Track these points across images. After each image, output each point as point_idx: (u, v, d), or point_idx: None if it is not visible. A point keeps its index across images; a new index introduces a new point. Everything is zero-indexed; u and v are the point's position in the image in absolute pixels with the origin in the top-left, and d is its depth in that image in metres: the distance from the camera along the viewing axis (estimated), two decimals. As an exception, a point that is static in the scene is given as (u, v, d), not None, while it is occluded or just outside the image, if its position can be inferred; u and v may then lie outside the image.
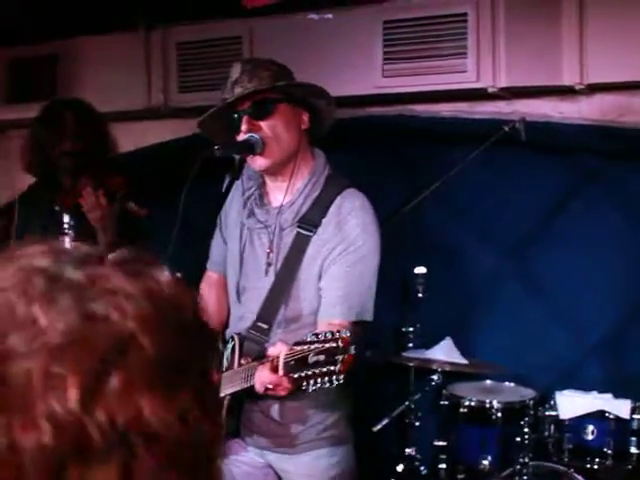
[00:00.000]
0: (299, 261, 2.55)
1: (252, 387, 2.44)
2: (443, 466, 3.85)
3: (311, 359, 2.08)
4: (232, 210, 2.80)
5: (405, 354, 3.98)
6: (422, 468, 3.92)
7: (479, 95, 3.80)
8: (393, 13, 3.81)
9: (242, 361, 2.54)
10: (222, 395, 2.54)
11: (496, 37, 3.61)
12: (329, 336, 2.10)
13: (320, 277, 2.55)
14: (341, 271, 2.52)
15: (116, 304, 0.73)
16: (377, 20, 3.85)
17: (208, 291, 2.94)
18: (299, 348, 2.13)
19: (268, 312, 2.60)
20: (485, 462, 3.70)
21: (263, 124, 2.52)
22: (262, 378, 2.34)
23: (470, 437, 3.77)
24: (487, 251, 4.24)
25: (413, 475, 3.92)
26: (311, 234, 2.55)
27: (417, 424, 3.90)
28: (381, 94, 3.93)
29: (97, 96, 4.03)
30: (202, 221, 3.07)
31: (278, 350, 2.25)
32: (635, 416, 3.50)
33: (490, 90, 3.69)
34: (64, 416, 0.69)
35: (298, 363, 2.12)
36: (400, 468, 3.93)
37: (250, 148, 2.51)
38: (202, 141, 2.78)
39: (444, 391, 3.87)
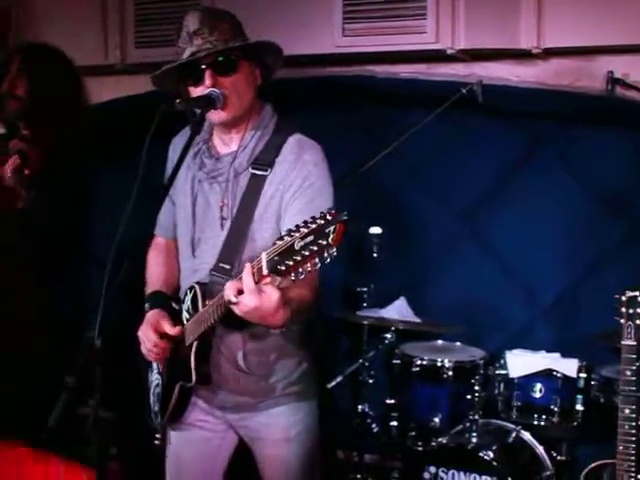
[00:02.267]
0: (255, 201, 2.57)
1: (222, 322, 2.42)
2: (395, 423, 3.92)
3: (298, 245, 2.00)
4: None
5: (359, 313, 4.04)
6: (374, 425, 3.99)
7: (438, 57, 3.83)
8: (354, -28, 3.81)
9: (207, 302, 2.49)
10: (190, 340, 2.54)
11: (456, -1, 3.65)
12: (313, 219, 2.03)
13: (279, 215, 2.57)
14: (300, 207, 2.51)
15: None
16: (337, -21, 3.85)
17: (155, 256, 2.92)
18: (280, 242, 2.04)
19: (229, 253, 2.58)
20: (436, 419, 3.77)
21: (226, 80, 2.52)
22: (247, 283, 2.14)
23: (421, 395, 3.84)
24: (442, 212, 4.29)
25: (365, 432, 3.99)
26: (266, 173, 2.58)
27: (370, 382, 3.97)
28: (341, 54, 3.94)
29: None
30: (158, 177, 3.06)
31: (257, 260, 2.13)
32: (581, 375, 3.59)
33: (449, 52, 3.72)
34: None
35: (283, 254, 2.03)
36: (353, 425, 4.01)
37: (212, 102, 2.50)
38: (158, 98, 2.77)
39: (396, 350, 3.93)
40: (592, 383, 3.56)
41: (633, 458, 2.95)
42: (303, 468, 2.78)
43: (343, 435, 4.07)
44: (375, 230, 4.02)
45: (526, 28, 3.62)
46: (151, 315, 2.68)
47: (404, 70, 3.99)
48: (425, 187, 4.29)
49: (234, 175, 2.62)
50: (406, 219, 4.26)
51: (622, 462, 2.95)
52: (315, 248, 2.00)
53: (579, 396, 3.59)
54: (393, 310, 4.03)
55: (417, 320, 3.99)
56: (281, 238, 2.06)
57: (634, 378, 2.99)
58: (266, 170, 2.57)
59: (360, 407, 3.98)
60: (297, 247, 2.01)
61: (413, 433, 3.86)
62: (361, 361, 3.96)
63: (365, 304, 4.12)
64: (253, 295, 2.14)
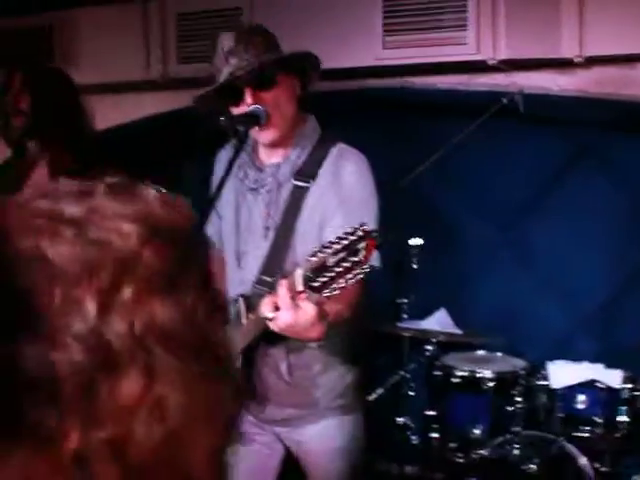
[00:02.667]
0: (297, 213, 2.58)
1: (266, 335, 2.39)
2: (435, 435, 3.89)
3: (330, 261, 2.03)
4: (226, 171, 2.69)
5: (400, 324, 4.03)
6: (414, 437, 3.97)
7: (478, 67, 3.83)
8: (394, -16, 3.84)
9: (250, 316, 2.51)
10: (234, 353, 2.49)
11: (496, 9, 3.65)
12: (344, 234, 2.05)
13: (321, 227, 2.56)
14: (341, 220, 2.49)
15: (115, 228, 0.79)
16: (377, -8, 3.88)
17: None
18: (314, 259, 2.08)
19: (271, 265, 2.59)
20: (477, 431, 3.75)
21: (267, 95, 2.52)
22: (284, 301, 2.16)
23: (462, 407, 3.81)
24: (482, 223, 4.29)
25: (405, 444, 3.97)
26: (308, 185, 2.58)
27: (411, 394, 3.96)
28: (381, 66, 3.95)
29: (95, 67, 4.05)
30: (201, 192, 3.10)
31: (291, 275, 2.18)
32: (625, 386, 3.55)
33: (490, 62, 3.72)
34: (87, 332, 0.75)
35: (317, 271, 2.06)
36: (392, 437, 4.00)
37: (256, 119, 2.50)
38: (199, 113, 2.80)
39: (437, 362, 3.91)
40: (636, 394, 3.53)
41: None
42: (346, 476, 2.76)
43: (383, 447, 4.05)
44: (415, 241, 4.02)
45: (568, 37, 3.61)
46: None
47: (444, 81, 4.00)
48: (465, 198, 4.30)
49: (277, 186, 2.63)
50: (446, 230, 4.27)
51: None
52: (347, 265, 2.02)
53: (623, 407, 3.55)
54: (434, 321, 4.02)
55: (458, 331, 3.98)
56: (314, 254, 2.08)
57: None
58: (308, 182, 2.58)
59: (400, 419, 3.97)
60: (330, 263, 2.04)
61: (454, 445, 3.83)
62: (402, 373, 3.95)
63: (405, 316, 4.11)
64: (289, 311, 2.14)
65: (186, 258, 0.83)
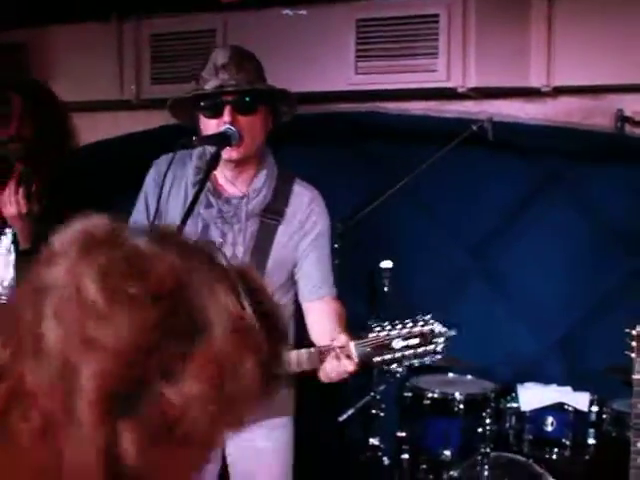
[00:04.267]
0: (268, 248, 2.70)
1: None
2: (406, 456, 3.93)
3: (397, 344, 2.27)
4: (172, 196, 2.78)
5: (371, 347, 4.05)
6: (385, 458, 4.00)
7: (449, 94, 3.89)
8: (366, 12, 3.89)
9: None
10: None
11: (467, 38, 3.71)
12: (414, 322, 2.35)
13: (292, 261, 2.75)
14: (318, 256, 2.75)
15: None
16: (350, 18, 3.93)
17: None
18: (373, 335, 2.29)
19: None
20: (447, 452, 3.79)
21: (244, 119, 2.58)
22: (339, 365, 2.40)
23: (433, 428, 3.86)
24: (452, 247, 4.33)
25: (376, 465, 4.00)
26: (277, 223, 2.71)
27: (381, 415, 3.97)
28: (353, 91, 4.00)
29: (68, 86, 4.02)
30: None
31: (344, 342, 2.38)
32: (593, 408, 3.62)
33: (459, 90, 3.78)
34: None
35: (378, 349, 2.29)
36: (363, 458, 4.02)
37: (226, 140, 2.56)
38: (171, 133, 2.80)
39: (407, 383, 3.95)
40: (604, 417, 3.59)
41: (646, 492, 2.96)
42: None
43: (354, 469, 4.07)
44: (386, 264, 4.05)
45: (536, 67, 3.68)
46: None
47: (415, 107, 4.05)
48: (435, 223, 4.33)
49: (245, 219, 2.70)
50: (416, 254, 4.29)
51: (635, 496, 2.97)
52: (420, 350, 2.31)
53: (591, 430, 3.62)
54: (404, 343, 4.05)
55: (428, 354, 4.01)
56: (371, 331, 2.34)
57: (646, 412, 3.01)
58: (277, 220, 2.72)
59: (371, 440, 3.99)
60: (396, 346, 2.30)
61: (424, 466, 3.88)
62: (372, 394, 3.98)
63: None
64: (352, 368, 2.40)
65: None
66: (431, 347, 2.29)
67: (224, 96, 2.58)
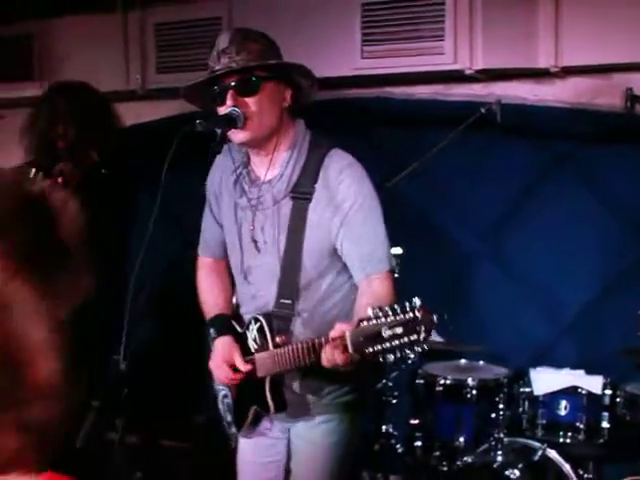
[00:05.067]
0: (302, 231, 2.62)
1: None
2: (419, 444, 3.91)
3: (386, 333, 2.16)
4: (224, 191, 2.83)
5: (382, 333, 4.04)
6: (398, 446, 3.98)
7: (456, 77, 3.86)
8: (372, -5, 3.86)
9: (277, 340, 2.63)
10: (263, 374, 2.67)
11: (473, 20, 3.68)
12: (399, 309, 2.19)
13: (329, 242, 2.62)
14: (355, 230, 2.58)
15: None
16: (356, 1, 3.90)
17: (206, 278, 2.98)
18: (366, 324, 2.21)
19: (288, 286, 2.66)
20: (461, 439, 3.77)
21: (248, 100, 2.53)
22: (332, 358, 2.35)
23: (445, 415, 3.83)
24: (462, 232, 4.31)
25: (390, 452, 3.98)
26: (307, 201, 2.61)
27: (394, 402, 3.96)
28: (360, 76, 3.97)
29: (73, 77, 4.03)
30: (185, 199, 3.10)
31: (340, 332, 2.32)
32: (607, 392, 3.59)
33: (467, 72, 3.75)
34: None
35: (369, 338, 2.19)
36: (377, 446, 4.01)
37: (232, 122, 2.51)
38: (181, 122, 2.80)
39: (420, 370, 3.92)
40: (617, 400, 3.56)
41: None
42: (332, 473, 2.80)
43: (368, 456, 4.06)
44: (396, 250, 4.03)
45: (544, 47, 3.65)
46: (221, 345, 2.78)
47: (422, 91, 4.02)
48: (445, 207, 4.31)
49: (274, 203, 2.65)
50: (427, 239, 4.27)
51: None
52: (405, 341, 2.16)
53: (605, 413, 3.59)
54: (416, 330, 4.03)
55: (440, 339, 3.99)
56: (363, 320, 2.22)
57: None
58: (307, 198, 2.60)
59: (384, 427, 3.98)
60: (385, 335, 2.17)
61: (438, 453, 3.85)
62: (385, 381, 3.96)
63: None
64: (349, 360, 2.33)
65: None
66: (414, 337, 2.16)
67: (226, 80, 2.53)
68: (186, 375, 3.64)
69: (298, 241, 2.61)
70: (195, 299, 2.97)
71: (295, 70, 2.64)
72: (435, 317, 2.20)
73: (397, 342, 2.16)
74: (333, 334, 2.35)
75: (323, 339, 2.42)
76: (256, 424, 2.85)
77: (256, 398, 2.73)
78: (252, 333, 2.72)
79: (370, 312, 2.23)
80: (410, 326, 2.15)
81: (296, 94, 2.67)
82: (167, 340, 4.66)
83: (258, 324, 2.68)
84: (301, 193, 2.61)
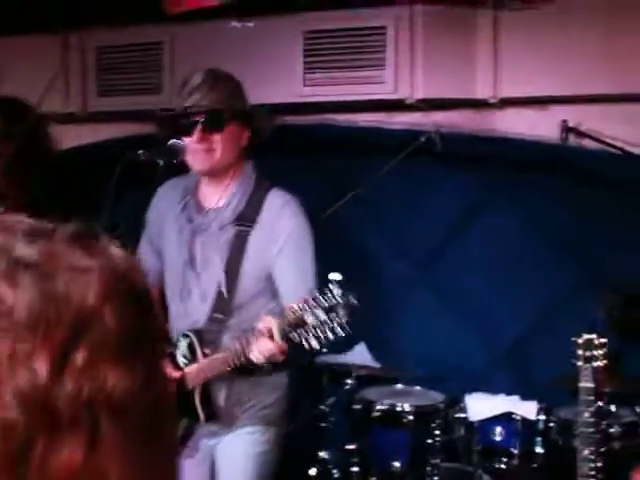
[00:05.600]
0: (241, 255, 2.86)
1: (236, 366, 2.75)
2: (355, 469, 3.90)
3: (308, 319, 2.39)
4: (168, 219, 3.03)
5: (319, 358, 4.05)
6: (335, 471, 3.97)
7: (397, 106, 3.92)
8: (314, 24, 3.91)
9: (206, 351, 2.84)
10: (192, 385, 2.86)
11: (414, 50, 3.75)
12: (321, 296, 2.43)
13: (264, 268, 2.88)
14: (291, 258, 2.86)
15: (75, 281, 0.74)
16: (298, 30, 3.95)
17: None
18: (291, 314, 2.45)
19: (222, 305, 2.88)
20: (397, 464, 3.77)
21: (213, 136, 2.80)
22: (262, 349, 2.58)
23: (382, 440, 3.84)
24: (401, 258, 4.34)
25: (326, 478, 3.97)
26: (249, 229, 2.87)
27: (331, 428, 3.96)
28: (301, 103, 4.01)
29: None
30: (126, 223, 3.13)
31: (268, 322, 2.56)
32: (541, 417, 3.63)
33: (407, 101, 3.81)
34: (31, 390, 0.70)
35: (294, 325, 2.43)
36: (313, 471, 3.99)
37: (174, 154, 2.75)
38: (120, 146, 2.86)
39: (356, 395, 3.93)
40: (551, 425, 3.61)
41: (593, 500, 2.98)
42: None
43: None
44: (334, 276, 4.04)
45: (482, 78, 3.74)
46: None
47: (364, 119, 4.07)
48: (384, 234, 4.34)
49: (219, 229, 2.90)
50: (365, 266, 4.29)
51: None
52: (327, 323, 2.40)
53: (538, 438, 3.63)
54: (353, 356, 4.04)
55: (377, 365, 4.01)
56: (294, 310, 2.47)
57: (592, 420, 3.04)
58: (249, 226, 2.87)
59: (320, 453, 3.97)
60: (308, 321, 2.41)
61: (374, 478, 3.85)
62: (321, 407, 3.96)
63: (325, 350, 4.12)
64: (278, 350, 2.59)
65: (142, 321, 0.79)
66: (336, 319, 2.38)
67: (196, 116, 2.79)
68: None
69: (237, 265, 2.85)
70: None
71: (257, 114, 2.94)
72: (354, 301, 2.43)
73: (320, 325, 2.37)
74: (261, 326, 2.57)
75: (251, 334, 2.64)
76: (183, 444, 2.94)
77: (186, 410, 2.88)
78: (181, 350, 2.90)
79: (295, 305, 2.48)
80: (331, 310, 2.37)
81: (253, 135, 2.93)
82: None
83: (188, 339, 2.88)
84: (244, 222, 2.87)
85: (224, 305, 2.88)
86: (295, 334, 2.44)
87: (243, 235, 2.86)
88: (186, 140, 2.78)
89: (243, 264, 2.85)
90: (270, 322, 2.54)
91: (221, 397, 2.95)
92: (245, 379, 2.93)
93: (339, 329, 2.41)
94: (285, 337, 2.49)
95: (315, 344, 2.43)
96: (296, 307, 2.45)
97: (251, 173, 2.96)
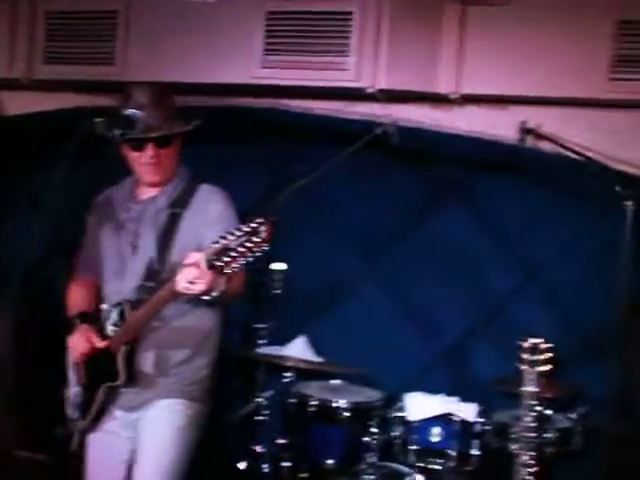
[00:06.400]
0: (173, 234, 3.08)
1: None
2: (287, 464, 3.82)
3: (232, 244, 2.52)
4: (109, 210, 3.25)
5: (258, 350, 3.97)
6: (265, 466, 3.89)
7: (356, 95, 3.86)
8: (277, 4, 3.83)
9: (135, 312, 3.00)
10: (119, 345, 3.01)
11: (379, 39, 3.70)
12: (242, 225, 2.53)
13: (195, 245, 2.97)
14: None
15: None
16: (261, 9, 3.87)
17: (77, 289, 3.29)
18: (217, 244, 2.56)
19: (153, 274, 3.05)
20: (330, 461, 3.72)
21: (164, 151, 3.06)
22: (186, 275, 2.70)
23: (316, 436, 3.78)
24: (348, 251, 4.30)
25: (255, 472, 3.88)
26: (182, 211, 3.10)
27: (266, 421, 3.89)
28: (258, 85, 3.93)
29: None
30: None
31: (192, 256, 2.68)
32: (479, 419, 3.62)
33: (369, 90, 3.75)
34: None
35: (220, 253, 2.55)
36: (243, 465, 3.91)
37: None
38: (68, 116, 2.82)
39: (293, 389, 3.86)
40: (487, 428, 3.60)
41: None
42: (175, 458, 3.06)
43: (232, 474, 3.94)
44: (276, 266, 3.98)
45: (445, 73, 3.72)
46: (79, 330, 3.10)
47: (320, 106, 4.00)
48: (332, 226, 4.29)
49: (154, 213, 3.12)
50: (311, 257, 4.22)
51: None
52: (249, 245, 2.50)
53: (475, 441, 3.61)
54: (293, 349, 3.97)
55: (316, 359, 3.94)
56: (216, 242, 2.57)
57: (533, 424, 3.02)
58: (182, 210, 3.10)
59: (253, 446, 3.89)
60: (232, 246, 2.52)
61: (306, 474, 3.78)
62: (257, 400, 3.89)
63: (265, 341, 4.05)
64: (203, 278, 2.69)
65: None
66: (257, 238, 2.49)
67: (145, 133, 2.99)
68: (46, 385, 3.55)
69: (168, 241, 3.07)
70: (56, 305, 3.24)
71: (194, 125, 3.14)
72: (274, 218, 2.54)
73: (243, 250, 2.50)
74: (187, 260, 2.70)
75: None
76: (102, 415, 3.11)
77: (108, 374, 3.03)
78: (112, 319, 3.07)
79: (219, 238, 2.59)
80: (252, 233, 2.49)
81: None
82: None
83: (119, 307, 3.06)
84: (177, 206, 3.11)
85: (155, 275, 3.04)
86: (220, 262, 2.55)
87: (176, 216, 3.09)
88: (135, 154, 3.04)
89: (174, 240, 3.06)
90: (194, 256, 2.67)
91: (148, 363, 3.06)
92: (175, 350, 3.07)
93: (256, 250, 2.52)
94: (211, 265, 2.59)
95: (236, 268, 2.56)
96: (218, 238, 2.57)
97: (185, 171, 3.21)
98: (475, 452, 3.61)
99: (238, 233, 2.51)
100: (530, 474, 3.01)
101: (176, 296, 2.85)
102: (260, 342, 4.05)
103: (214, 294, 2.80)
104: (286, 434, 3.84)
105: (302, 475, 3.78)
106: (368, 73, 3.72)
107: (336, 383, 3.99)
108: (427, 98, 3.82)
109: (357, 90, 3.78)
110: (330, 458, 3.72)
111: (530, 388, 3.00)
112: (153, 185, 3.16)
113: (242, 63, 3.93)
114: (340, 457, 3.72)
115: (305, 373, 3.91)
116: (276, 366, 3.86)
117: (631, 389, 3.56)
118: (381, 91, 3.77)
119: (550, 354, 3.00)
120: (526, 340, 3.00)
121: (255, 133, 4.24)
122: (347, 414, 3.71)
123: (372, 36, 3.69)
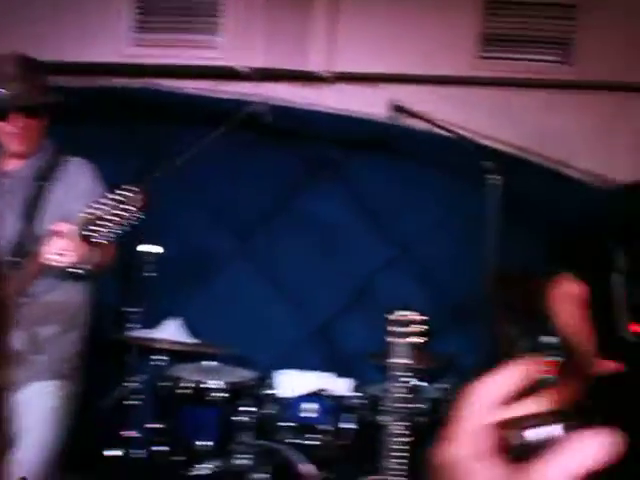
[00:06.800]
0: (41, 208, 3.07)
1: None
2: (161, 448, 3.76)
3: (103, 213, 2.51)
4: None
5: (128, 333, 3.89)
6: (138, 452, 3.82)
7: (229, 74, 3.84)
8: (148, -19, 3.76)
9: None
10: None
11: (251, 18, 3.69)
12: (111, 194, 2.52)
13: (63, 214, 2.94)
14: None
15: None
16: (130, -14, 3.79)
17: None
18: (87, 214, 2.54)
19: (19, 248, 3.01)
20: (205, 443, 3.68)
21: (28, 122, 3.06)
22: (53, 248, 2.66)
23: (189, 418, 3.73)
24: (220, 232, 4.27)
25: (129, 458, 3.81)
26: (50, 184, 3.11)
27: (138, 405, 3.82)
28: (128, 64, 3.86)
29: None
30: None
31: (58, 225, 2.65)
32: (354, 394, 3.67)
33: (240, 69, 3.74)
34: None
35: (90, 223, 2.55)
36: (114, 452, 3.82)
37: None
38: None
39: (166, 372, 3.80)
40: (363, 402, 3.65)
41: (403, 474, 3.02)
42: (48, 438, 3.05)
43: (104, 462, 3.85)
44: (146, 248, 3.92)
45: (317, 52, 3.73)
46: None
47: (191, 86, 3.96)
48: (203, 205, 4.26)
49: (21, 186, 3.09)
50: (182, 237, 4.18)
51: (392, 478, 3.02)
52: (121, 213, 2.50)
53: (351, 415, 3.66)
54: (165, 331, 3.92)
55: (189, 341, 3.90)
56: (87, 211, 2.56)
57: (404, 396, 3.08)
58: (48, 182, 3.10)
59: (126, 432, 3.81)
60: (103, 215, 2.51)
61: (182, 458, 3.73)
62: (128, 384, 3.81)
63: (137, 325, 3.98)
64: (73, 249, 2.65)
65: None
66: (130, 207, 2.50)
67: (15, 104, 3.00)
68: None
69: (36, 213, 3.04)
70: None
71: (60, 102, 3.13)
72: (146, 187, 2.61)
73: (115, 218, 2.50)
74: (54, 227, 2.66)
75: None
76: None
77: None
78: None
79: (88, 208, 2.57)
80: (124, 202, 2.50)
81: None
82: None
83: None
84: (44, 179, 3.12)
85: (21, 249, 3.01)
86: (91, 232, 2.55)
87: (43, 188, 3.10)
88: (1, 124, 3.02)
89: (41, 213, 3.04)
90: (62, 225, 2.64)
91: (20, 342, 3.02)
92: (45, 326, 3.07)
93: (134, 216, 2.53)
94: (82, 236, 2.58)
95: (109, 238, 2.55)
96: (88, 207, 2.56)
97: (49, 145, 3.21)
98: (351, 426, 3.65)
99: (108, 202, 2.50)
100: (404, 444, 3.07)
101: (44, 268, 2.79)
102: (132, 325, 3.98)
103: (85, 266, 2.78)
104: (160, 418, 3.78)
105: (177, 459, 3.73)
106: (239, 52, 3.72)
107: (210, 364, 3.94)
108: (299, 77, 3.83)
109: (229, 69, 3.77)
110: (206, 440, 3.67)
111: (399, 360, 3.05)
112: (18, 156, 3.15)
113: (111, 41, 3.85)
114: (216, 438, 3.68)
115: (180, 355, 3.86)
116: (148, 349, 3.79)
117: (499, 358, 3.68)
118: (253, 70, 3.77)
119: (421, 326, 3.07)
120: (392, 313, 3.06)
121: (125, 114, 4.15)
122: (221, 395, 3.69)
123: (243, 14, 3.69)
